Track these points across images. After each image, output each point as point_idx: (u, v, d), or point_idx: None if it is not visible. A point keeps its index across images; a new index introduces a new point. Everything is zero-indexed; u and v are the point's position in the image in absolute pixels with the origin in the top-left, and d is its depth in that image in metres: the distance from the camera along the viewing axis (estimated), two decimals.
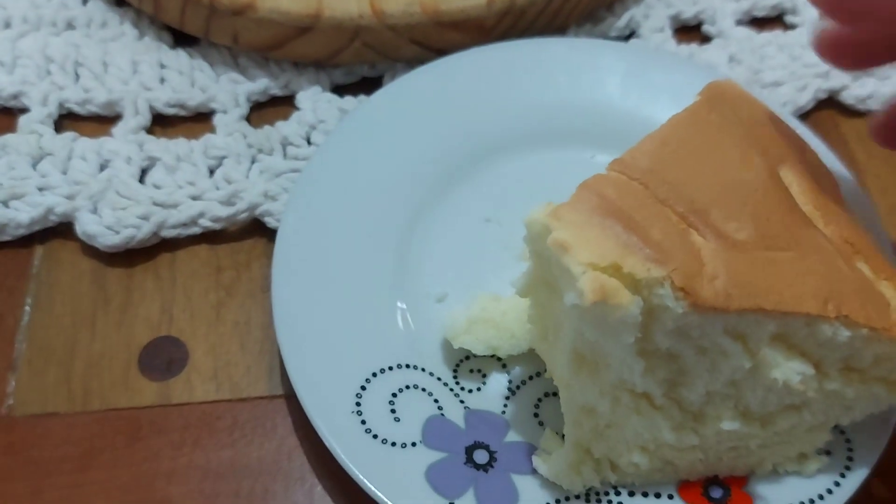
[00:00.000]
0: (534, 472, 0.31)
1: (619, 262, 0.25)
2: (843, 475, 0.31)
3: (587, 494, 0.31)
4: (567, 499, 0.31)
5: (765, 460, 0.31)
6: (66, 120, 0.43)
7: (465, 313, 0.34)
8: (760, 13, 0.48)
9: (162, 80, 0.43)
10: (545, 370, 0.34)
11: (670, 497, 0.31)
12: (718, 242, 0.27)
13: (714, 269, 0.26)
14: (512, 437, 0.33)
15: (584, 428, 0.30)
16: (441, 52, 0.43)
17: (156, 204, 0.39)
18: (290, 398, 0.35)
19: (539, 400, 0.34)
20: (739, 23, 0.47)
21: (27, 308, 0.38)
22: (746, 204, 0.28)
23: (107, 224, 0.38)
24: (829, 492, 0.31)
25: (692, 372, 0.28)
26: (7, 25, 0.46)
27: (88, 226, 0.38)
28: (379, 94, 0.41)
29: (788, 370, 0.27)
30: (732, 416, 0.29)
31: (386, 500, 0.30)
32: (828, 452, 0.32)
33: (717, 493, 0.31)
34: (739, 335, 0.27)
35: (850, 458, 0.32)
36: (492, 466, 0.32)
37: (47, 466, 0.34)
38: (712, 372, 0.28)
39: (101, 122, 0.43)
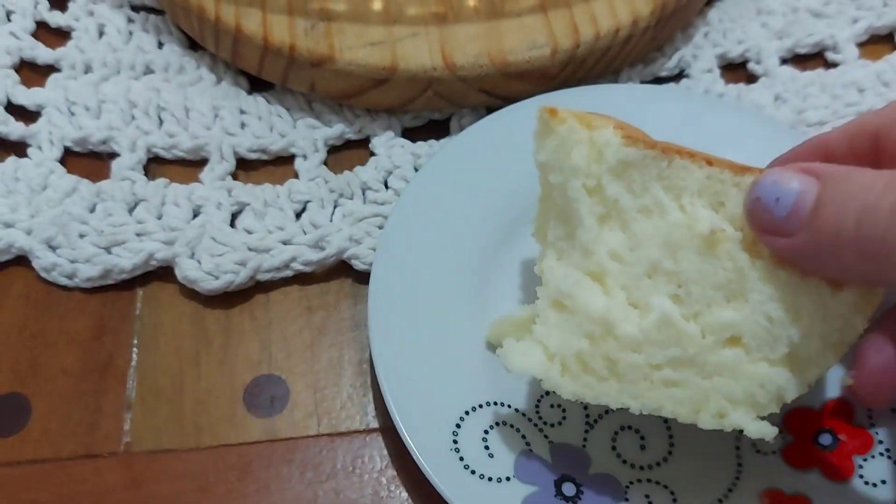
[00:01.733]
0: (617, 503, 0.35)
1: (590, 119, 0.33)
2: None
3: None
4: None
5: (709, 399, 0.31)
6: (152, 164, 0.46)
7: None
8: (803, 50, 0.50)
9: (242, 126, 0.46)
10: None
11: None
12: None
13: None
14: (594, 469, 0.36)
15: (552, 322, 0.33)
16: (507, 99, 0.45)
17: (250, 249, 0.41)
18: (385, 432, 0.39)
19: (616, 433, 0.38)
20: (783, 60, 0.50)
21: (134, 349, 0.41)
22: None
23: (206, 270, 0.41)
24: None
25: (635, 229, 0.32)
26: (87, 69, 0.48)
27: (189, 272, 0.41)
28: (452, 142, 0.43)
29: (710, 221, 0.31)
30: (671, 302, 0.31)
31: None
32: (883, 482, 0.35)
33: None
34: (671, 187, 0.32)
35: None
36: (580, 499, 0.35)
37: (167, 499, 0.37)
38: (652, 230, 0.32)
39: (185, 165, 0.46)
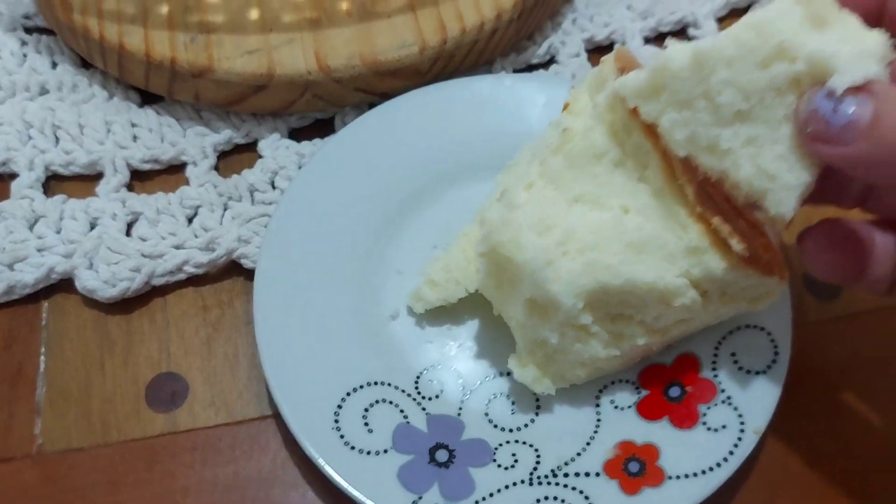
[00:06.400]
0: (486, 464, 0.38)
1: None
2: (735, 445, 0.38)
3: (531, 478, 0.38)
4: (514, 484, 0.38)
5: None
6: (52, 181, 0.48)
7: (417, 288, 0.43)
8: (666, 28, 0.54)
9: (135, 138, 0.48)
10: (493, 375, 0.42)
11: (597, 475, 0.38)
12: None
13: None
14: (467, 434, 0.40)
15: (537, 355, 0.39)
16: (384, 95, 0.48)
17: (144, 256, 0.44)
18: (279, 417, 0.42)
19: (488, 401, 0.41)
20: (647, 39, 0.53)
21: (42, 357, 0.43)
22: None
23: (104, 279, 0.43)
24: (726, 460, 0.38)
25: (631, 314, 0.38)
26: None
27: (87, 282, 0.43)
28: (332, 140, 0.46)
29: (687, 298, 0.36)
30: (643, 334, 0.38)
31: (366, 500, 0.36)
32: (724, 426, 0.39)
33: (635, 467, 0.38)
34: None
35: (741, 431, 0.39)
36: (452, 463, 0.38)
37: (81, 493, 0.40)
38: (644, 311, 0.38)
39: (83, 180, 0.48)
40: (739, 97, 0.31)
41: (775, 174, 0.31)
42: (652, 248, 0.36)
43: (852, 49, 0.29)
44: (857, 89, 0.29)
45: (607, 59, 0.38)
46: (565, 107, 0.40)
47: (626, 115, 0.36)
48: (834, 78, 0.29)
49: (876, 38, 0.30)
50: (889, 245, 0.33)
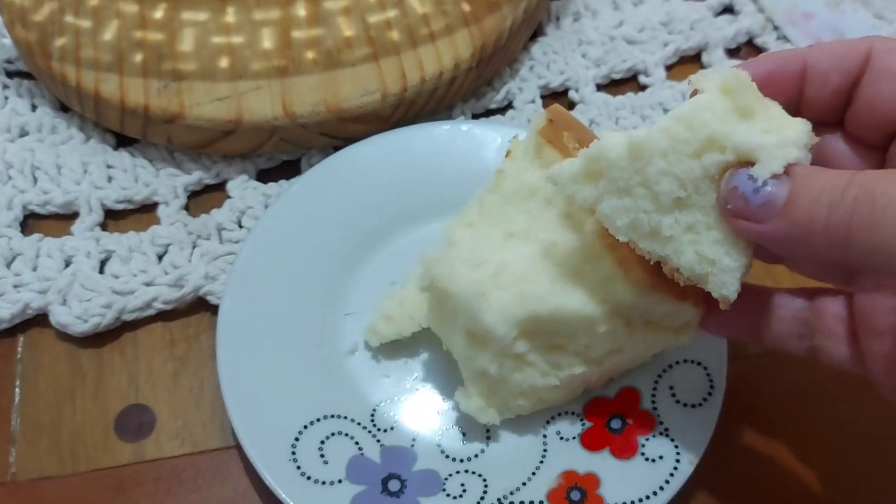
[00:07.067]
0: (435, 493, 0.41)
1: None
2: (671, 475, 0.41)
3: None
4: None
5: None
6: (29, 219, 0.51)
7: (373, 322, 0.45)
8: (617, 76, 0.56)
9: (109, 179, 0.51)
10: (447, 407, 0.44)
11: (541, 503, 0.40)
12: None
13: None
14: (419, 465, 0.42)
15: (481, 386, 0.41)
16: (347, 139, 0.51)
17: (115, 293, 0.46)
18: (240, 448, 0.43)
19: (441, 432, 0.43)
20: (600, 87, 0.56)
21: (17, 389, 0.45)
22: None
23: (76, 314, 0.46)
24: (662, 488, 0.40)
25: (564, 343, 0.40)
26: None
27: (61, 317, 0.46)
28: (296, 182, 0.49)
29: (610, 324, 0.38)
30: (579, 363, 0.40)
31: None
32: (661, 457, 0.41)
33: (576, 495, 0.41)
34: None
35: (677, 461, 0.41)
36: (403, 493, 0.41)
37: None
38: (575, 339, 0.40)
39: (59, 219, 0.50)
40: (677, 185, 0.32)
41: (714, 258, 0.32)
42: (575, 279, 0.38)
43: (775, 138, 0.31)
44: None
45: (541, 114, 0.40)
46: (507, 154, 0.42)
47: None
48: (756, 167, 0.31)
49: (797, 126, 0.32)
50: (791, 308, 0.36)
